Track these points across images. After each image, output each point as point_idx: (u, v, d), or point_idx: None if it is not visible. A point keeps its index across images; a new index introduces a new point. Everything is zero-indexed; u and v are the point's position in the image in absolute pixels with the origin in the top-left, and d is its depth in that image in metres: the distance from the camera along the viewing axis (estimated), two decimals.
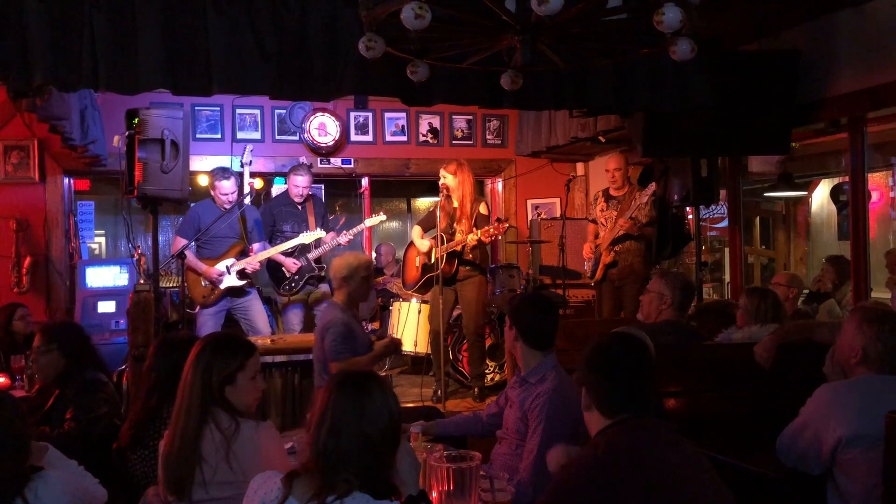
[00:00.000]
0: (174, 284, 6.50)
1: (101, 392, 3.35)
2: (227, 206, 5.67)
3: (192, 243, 5.47)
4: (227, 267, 5.66)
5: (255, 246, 5.86)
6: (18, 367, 4.42)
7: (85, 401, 3.26)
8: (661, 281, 3.87)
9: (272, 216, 6.11)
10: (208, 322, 5.68)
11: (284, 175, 7.36)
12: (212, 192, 5.77)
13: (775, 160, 6.57)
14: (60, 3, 3.52)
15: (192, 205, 5.83)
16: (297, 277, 5.97)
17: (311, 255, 5.96)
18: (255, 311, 5.86)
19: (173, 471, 2.27)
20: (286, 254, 5.92)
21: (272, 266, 5.99)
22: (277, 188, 7.56)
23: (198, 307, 5.75)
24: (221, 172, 5.78)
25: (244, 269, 5.71)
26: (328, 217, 6.29)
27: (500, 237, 5.42)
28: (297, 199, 6.08)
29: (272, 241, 6.00)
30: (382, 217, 6.27)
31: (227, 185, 5.69)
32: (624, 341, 2.18)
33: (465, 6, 2.55)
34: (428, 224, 5.95)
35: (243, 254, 5.77)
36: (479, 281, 5.70)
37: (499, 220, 5.47)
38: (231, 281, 5.67)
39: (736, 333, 3.88)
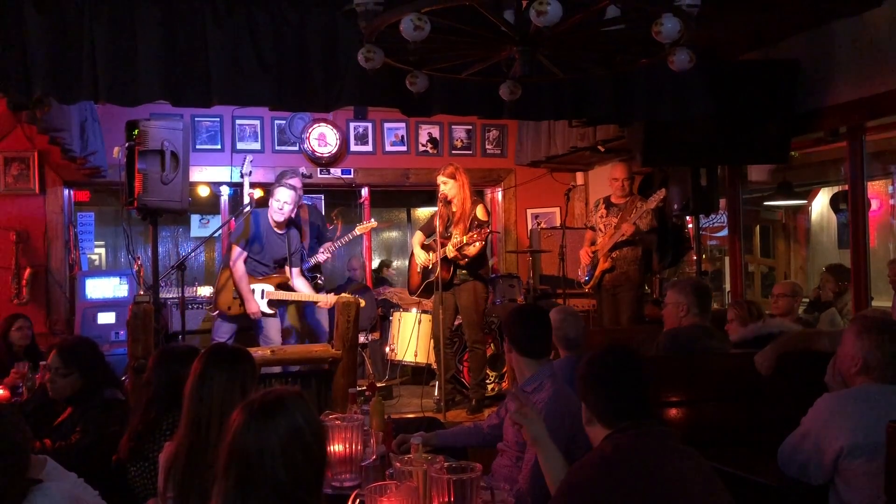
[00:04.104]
0: (174, 295, 6.47)
1: (115, 411, 3.30)
2: (281, 219, 5.43)
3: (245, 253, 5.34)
4: (262, 291, 5.49)
5: (294, 271, 5.61)
6: (21, 375, 4.39)
7: (96, 418, 3.23)
8: (673, 290, 3.87)
9: None
10: (223, 325, 5.58)
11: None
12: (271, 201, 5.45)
13: (770, 169, 6.59)
14: (61, 16, 3.54)
15: (252, 210, 5.56)
16: None
17: (306, 266, 5.88)
18: (269, 320, 5.77)
19: (179, 481, 2.25)
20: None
21: None
22: None
23: (216, 311, 5.64)
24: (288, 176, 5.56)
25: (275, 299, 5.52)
26: (326, 229, 6.15)
27: (475, 245, 5.36)
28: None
29: None
30: (373, 223, 6.26)
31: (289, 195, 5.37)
32: (614, 352, 2.21)
33: (463, 17, 2.56)
34: (429, 229, 5.94)
35: (282, 286, 5.53)
36: (474, 287, 5.60)
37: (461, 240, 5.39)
38: (261, 305, 5.49)
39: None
